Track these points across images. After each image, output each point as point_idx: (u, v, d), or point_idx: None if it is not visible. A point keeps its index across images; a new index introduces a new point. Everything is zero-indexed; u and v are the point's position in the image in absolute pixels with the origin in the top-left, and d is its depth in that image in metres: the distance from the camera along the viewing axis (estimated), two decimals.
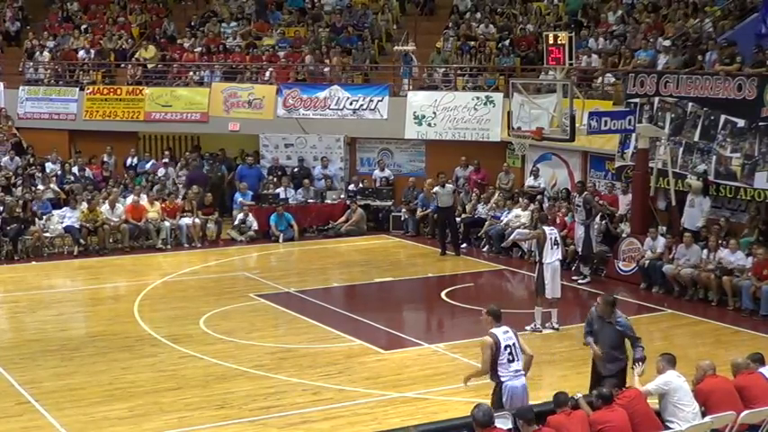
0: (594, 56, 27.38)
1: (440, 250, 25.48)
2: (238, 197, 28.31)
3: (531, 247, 21.89)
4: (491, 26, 31.48)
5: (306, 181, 28.86)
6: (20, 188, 27.34)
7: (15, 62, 33.85)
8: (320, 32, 33.06)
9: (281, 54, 32.47)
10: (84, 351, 17.26)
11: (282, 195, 28.29)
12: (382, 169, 29.51)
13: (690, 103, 22.56)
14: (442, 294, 19.18)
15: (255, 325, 18.88)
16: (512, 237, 22.89)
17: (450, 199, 25.53)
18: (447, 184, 25.67)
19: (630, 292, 21.61)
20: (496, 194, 26.75)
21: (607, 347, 12.89)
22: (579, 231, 22.83)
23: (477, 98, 28.34)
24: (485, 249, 25.81)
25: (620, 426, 10.98)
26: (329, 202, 28.83)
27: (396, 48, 30.00)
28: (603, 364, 12.93)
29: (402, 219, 28.22)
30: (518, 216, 25.48)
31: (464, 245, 26.15)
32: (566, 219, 24.15)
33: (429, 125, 28.88)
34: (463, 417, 11.26)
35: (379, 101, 29.52)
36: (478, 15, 32.47)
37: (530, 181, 27.13)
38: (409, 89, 29.56)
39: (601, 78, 26.74)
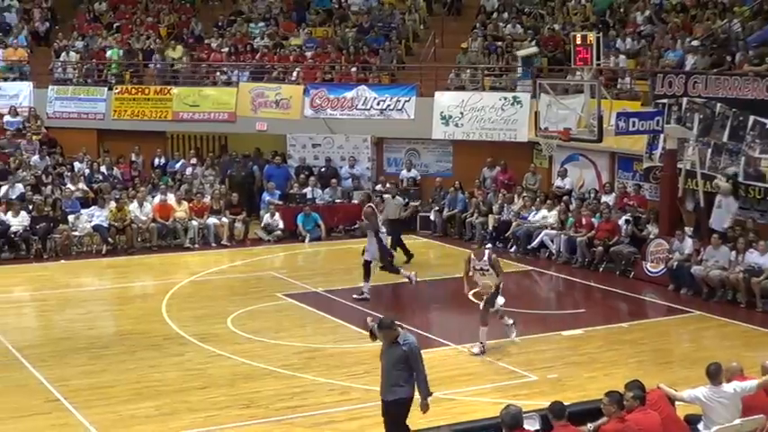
0: (622, 56, 27.29)
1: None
2: (266, 197, 28.39)
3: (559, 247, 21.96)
4: (518, 26, 31.43)
5: (333, 181, 28.90)
6: (49, 187, 27.49)
7: (45, 62, 34.05)
8: (347, 33, 33.10)
9: (308, 54, 32.53)
10: (113, 349, 17.34)
11: (310, 195, 28.35)
12: (409, 169, 29.52)
13: (718, 104, 22.45)
14: (470, 295, 19.09)
15: (282, 324, 18.91)
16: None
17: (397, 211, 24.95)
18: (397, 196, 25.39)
19: (659, 293, 21.54)
20: (522, 195, 26.67)
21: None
22: None
23: (505, 98, 28.31)
24: (512, 250, 25.75)
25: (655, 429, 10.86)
26: (356, 201, 28.83)
27: (518, 53, 29.43)
28: None
29: (430, 219, 28.19)
30: (545, 217, 25.44)
31: (489, 245, 26.09)
32: (592, 220, 24.09)
33: (456, 125, 28.87)
34: (491, 418, 11.24)
35: (406, 101, 29.53)
36: (506, 15, 32.43)
37: (557, 182, 27.07)
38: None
39: (628, 79, 26.65)
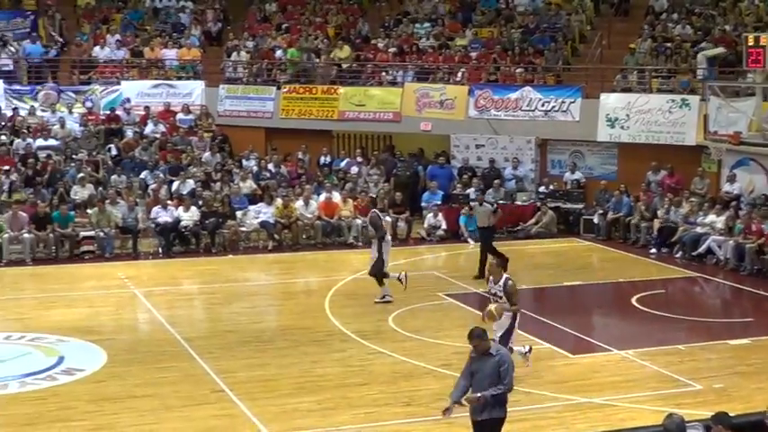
0: None
1: None
2: (428, 197, 28.53)
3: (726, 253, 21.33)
4: (688, 27, 30.78)
5: (496, 182, 28.84)
6: (218, 183, 28.22)
7: (216, 61, 34.97)
8: (512, 33, 32.99)
9: (473, 55, 32.54)
10: (277, 343, 17.71)
11: (472, 196, 28.34)
12: (573, 171, 29.24)
13: None
14: (633, 300, 18.86)
15: (443, 324, 18.97)
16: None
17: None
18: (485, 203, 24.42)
19: None
20: (689, 199, 26.10)
21: None
22: None
23: (673, 101, 27.76)
24: (678, 255, 25.22)
25: None
26: (519, 203, 28.74)
27: (703, 53, 28.73)
28: None
29: (594, 222, 27.86)
30: (713, 222, 24.86)
31: (654, 250, 25.68)
32: (762, 227, 23.43)
33: (622, 128, 28.46)
34: (653, 426, 11.08)
35: (571, 102, 29.26)
36: (675, 16, 31.79)
37: (726, 186, 26.41)
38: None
39: None
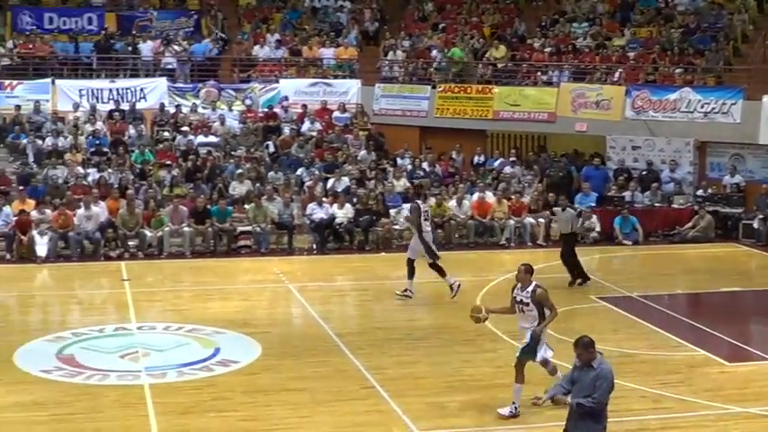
0: None
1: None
2: (582, 198, 28.21)
3: None
4: None
5: (654, 185, 28.36)
6: (372, 181, 28.48)
7: (372, 61, 35.31)
8: (672, 33, 32.37)
9: (631, 55, 32.07)
10: (428, 342, 17.77)
11: (628, 198, 27.95)
12: (733, 175, 28.53)
13: None
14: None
15: (595, 327, 18.70)
16: None
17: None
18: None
19: None
20: None
21: None
22: None
23: None
24: None
25: None
26: (676, 206, 28.21)
27: None
28: None
29: (754, 227, 27.11)
30: None
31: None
32: None
33: None
34: None
35: (732, 104, 28.57)
36: None
37: None
38: None
39: None
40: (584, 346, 10.69)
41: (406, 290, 20.87)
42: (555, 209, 23.72)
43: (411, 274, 20.96)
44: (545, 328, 14.14)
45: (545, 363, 14.16)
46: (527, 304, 13.96)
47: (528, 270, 14.23)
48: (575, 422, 10.60)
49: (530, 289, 13.98)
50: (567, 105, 30.80)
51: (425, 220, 21.00)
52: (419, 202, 21.87)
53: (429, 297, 22.00)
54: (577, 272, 22.11)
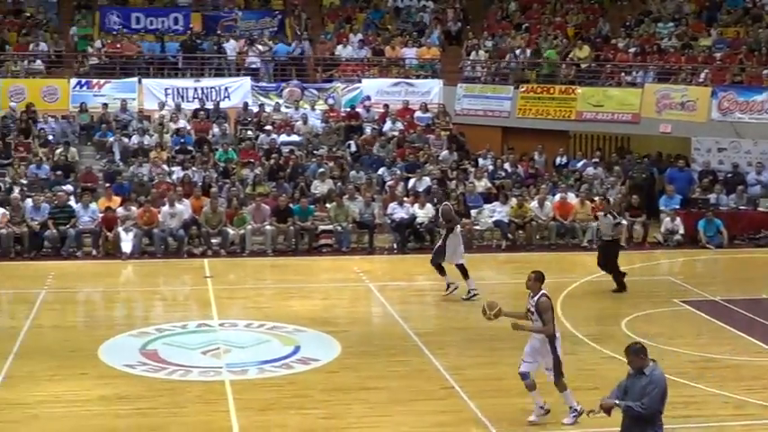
0: None
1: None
2: (666, 200, 27.89)
3: None
4: None
5: (739, 187, 27.95)
6: (454, 182, 28.45)
7: (455, 61, 35.29)
8: (759, 33, 31.87)
9: (718, 55, 31.64)
10: (507, 343, 17.58)
11: (713, 201, 27.57)
12: None
13: None
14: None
15: (678, 331, 18.54)
16: None
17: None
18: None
19: None
20: None
21: None
22: None
23: None
24: None
25: None
26: (762, 209, 27.74)
27: None
28: None
29: None
30: None
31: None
32: None
33: None
34: None
35: None
36: None
37: None
38: None
39: None
40: (635, 353, 10.42)
41: (469, 292, 20.80)
42: (599, 213, 23.36)
43: (465, 275, 20.96)
44: (548, 340, 13.69)
45: (524, 376, 13.87)
46: (533, 313, 13.72)
47: (538, 278, 13.86)
48: (626, 427, 10.46)
49: (536, 297, 13.72)
50: (652, 106, 30.49)
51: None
52: (450, 204, 22.20)
53: (508, 298, 21.90)
54: (616, 280, 21.62)
